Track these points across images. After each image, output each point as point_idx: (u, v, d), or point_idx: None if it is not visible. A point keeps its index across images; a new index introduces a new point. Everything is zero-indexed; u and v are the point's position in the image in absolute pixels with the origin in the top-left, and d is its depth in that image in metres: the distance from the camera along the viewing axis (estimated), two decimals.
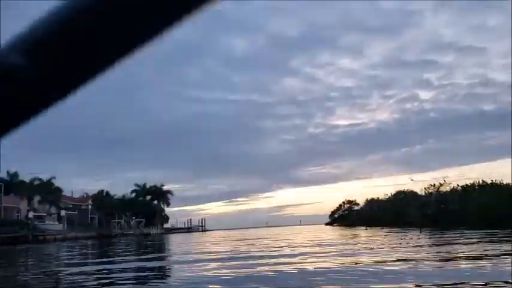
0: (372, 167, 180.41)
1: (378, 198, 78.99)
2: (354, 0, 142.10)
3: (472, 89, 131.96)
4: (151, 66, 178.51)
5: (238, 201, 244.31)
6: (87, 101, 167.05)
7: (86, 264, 16.37)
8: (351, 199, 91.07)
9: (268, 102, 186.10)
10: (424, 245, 17.30)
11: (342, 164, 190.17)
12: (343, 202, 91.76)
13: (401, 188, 75.71)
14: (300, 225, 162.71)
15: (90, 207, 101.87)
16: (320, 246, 19.23)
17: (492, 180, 53.82)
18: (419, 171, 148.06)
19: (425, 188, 68.41)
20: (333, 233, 42.25)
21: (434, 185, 67.79)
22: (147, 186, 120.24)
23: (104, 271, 12.10)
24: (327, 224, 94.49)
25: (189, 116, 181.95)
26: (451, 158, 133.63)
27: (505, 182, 51.83)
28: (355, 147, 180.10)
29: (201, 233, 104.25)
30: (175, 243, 36.59)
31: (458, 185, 60.59)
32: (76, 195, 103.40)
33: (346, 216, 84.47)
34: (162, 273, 11.27)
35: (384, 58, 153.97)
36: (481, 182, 55.55)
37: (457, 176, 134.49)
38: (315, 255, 14.45)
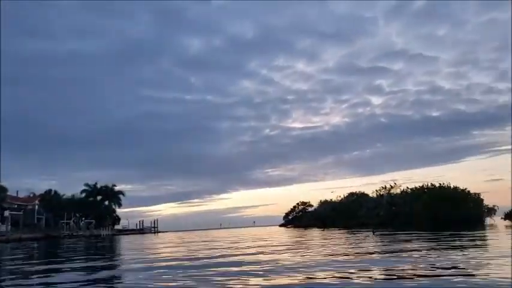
0: (325, 169, 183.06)
1: (331, 199, 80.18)
2: (309, 6, 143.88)
3: (420, 96, 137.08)
4: (105, 63, 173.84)
5: (192, 202, 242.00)
6: (35, 97, 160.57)
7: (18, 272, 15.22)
8: (305, 201, 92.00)
9: (224, 103, 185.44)
10: (375, 245, 17.92)
11: (297, 166, 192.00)
12: (298, 204, 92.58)
13: (354, 190, 77.27)
14: (254, 226, 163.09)
15: (37, 207, 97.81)
16: (265, 247, 19.07)
17: (440, 184, 55.60)
18: (369, 174, 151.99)
19: (376, 191, 70.16)
20: (286, 235, 42.21)
21: (385, 187, 69.58)
22: (98, 186, 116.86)
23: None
24: (281, 225, 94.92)
25: (143, 115, 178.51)
26: (399, 162, 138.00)
27: (451, 186, 53.67)
28: (309, 149, 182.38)
29: (153, 234, 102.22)
30: (128, 245, 35.39)
31: (408, 188, 62.41)
32: (22, 195, 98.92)
33: (300, 218, 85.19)
34: (110, 283, 10.48)
35: (338, 63, 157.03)
36: (429, 185, 57.31)
37: (404, 179, 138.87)
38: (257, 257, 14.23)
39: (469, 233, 26.98)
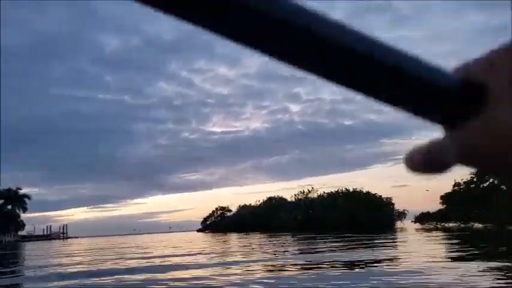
0: (245, 174, 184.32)
1: (250, 204, 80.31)
2: None
3: (335, 105, 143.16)
4: (13, 60, 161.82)
5: (106, 207, 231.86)
6: None
7: None
8: (223, 205, 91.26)
9: (141, 104, 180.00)
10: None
11: (216, 171, 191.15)
12: (216, 208, 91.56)
13: (272, 195, 77.96)
14: (170, 232, 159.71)
15: None
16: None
17: (354, 189, 57.76)
18: (287, 179, 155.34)
19: (295, 195, 71.56)
20: (202, 241, 41.25)
21: (303, 191, 71.18)
22: (0, 189, 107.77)
23: None
24: (198, 230, 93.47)
25: (54, 114, 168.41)
26: (315, 168, 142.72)
27: (364, 191, 56.02)
28: (229, 154, 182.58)
29: (62, 240, 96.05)
30: (29, 252, 32.56)
31: (324, 192, 64.24)
32: None
33: (219, 223, 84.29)
34: None
35: (259, 69, 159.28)
36: (344, 189, 59.31)
37: (320, 184, 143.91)
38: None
39: (381, 235, 28.13)
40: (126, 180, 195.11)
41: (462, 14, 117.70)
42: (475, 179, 37.41)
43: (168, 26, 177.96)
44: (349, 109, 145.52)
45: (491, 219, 33.27)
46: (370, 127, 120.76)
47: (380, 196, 53.43)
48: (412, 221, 47.47)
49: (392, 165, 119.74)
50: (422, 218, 43.66)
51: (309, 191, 69.84)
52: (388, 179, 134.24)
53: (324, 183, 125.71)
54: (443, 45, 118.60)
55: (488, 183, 35.76)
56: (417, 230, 37.92)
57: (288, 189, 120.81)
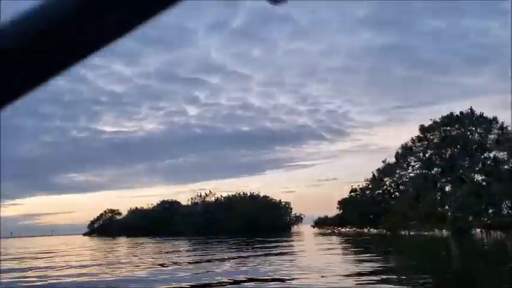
0: (137, 176, 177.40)
1: (142, 207, 76.94)
2: None
3: (233, 111, 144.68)
4: None
5: None
6: None
7: None
8: (113, 208, 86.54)
9: (28, 97, 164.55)
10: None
11: (106, 172, 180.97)
12: (105, 211, 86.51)
13: (166, 198, 75.54)
14: (53, 235, 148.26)
15: None
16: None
17: (251, 193, 57.88)
18: (181, 182, 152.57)
19: (191, 198, 69.80)
20: (85, 246, 38.03)
21: (200, 195, 69.71)
22: None
23: None
24: (85, 234, 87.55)
25: None
26: (210, 172, 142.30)
27: (261, 195, 56.39)
28: (120, 155, 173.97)
29: None
30: None
31: (222, 196, 63.53)
32: None
33: (108, 226, 79.51)
34: None
35: (158, 70, 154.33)
36: (242, 194, 59.18)
37: (214, 188, 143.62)
38: None
39: (279, 240, 28.36)
40: (5, 180, 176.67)
41: (354, 32, 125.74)
42: (370, 186, 39.09)
43: None
44: (247, 115, 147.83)
45: (386, 225, 34.82)
46: (266, 134, 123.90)
47: (279, 200, 54.00)
48: (311, 226, 48.49)
49: (283, 171, 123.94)
50: (321, 223, 44.74)
51: (206, 195, 68.45)
52: (278, 185, 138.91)
53: (217, 188, 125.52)
54: (336, 60, 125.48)
55: (382, 190, 37.59)
56: (315, 234, 38.55)
57: (181, 193, 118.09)
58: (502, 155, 33.76)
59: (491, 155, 32.83)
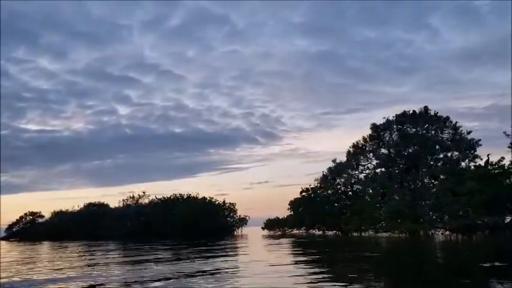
0: (61, 177, 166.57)
1: (67, 210, 71.11)
2: (65, 1, 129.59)
3: (166, 111, 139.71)
4: None
5: None
6: None
7: None
8: (34, 211, 79.56)
9: None
10: None
11: (27, 173, 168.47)
12: (25, 214, 79.28)
13: (93, 201, 70.57)
14: None
15: None
16: None
17: (189, 195, 54.55)
18: (108, 184, 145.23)
19: (123, 200, 65.28)
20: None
21: (133, 197, 65.21)
22: None
23: None
24: (2, 238, 79.47)
25: None
26: (140, 174, 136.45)
27: (200, 197, 53.24)
28: (44, 155, 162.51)
29: None
30: None
31: (156, 198, 59.69)
32: None
33: (29, 230, 72.65)
34: None
35: (88, 66, 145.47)
36: (179, 195, 55.80)
37: (143, 190, 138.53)
38: None
39: (220, 242, 27.23)
40: None
41: (289, 37, 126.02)
42: (322, 186, 37.20)
43: None
44: (180, 116, 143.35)
45: (337, 226, 33.02)
46: (199, 136, 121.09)
47: (223, 201, 50.81)
48: (262, 228, 46.07)
49: (216, 174, 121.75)
50: (271, 224, 42.33)
51: (140, 196, 64.07)
52: (210, 188, 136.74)
53: (146, 190, 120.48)
54: (271, 64, 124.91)
55: (335, 189, 35.78)
56: (263, 236, 36.19)
57: (109, 196, 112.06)
58: (456, 154, 33.20)
59: (449, 154, 32.08)
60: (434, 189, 25.67)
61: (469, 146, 33.42)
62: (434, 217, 25.23)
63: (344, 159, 37.78)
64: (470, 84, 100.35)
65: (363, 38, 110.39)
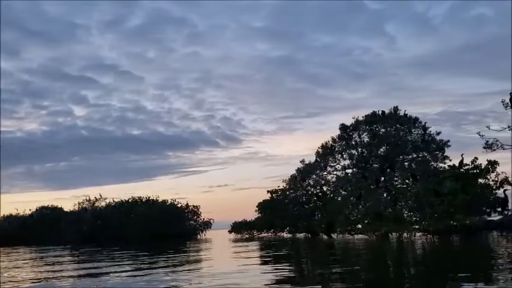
0: (11, 180, 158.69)
1: (17, 214, 67.20)
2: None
3: (124, 113, 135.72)
4: None
5: None
6: None
7: None
8: None
9: None
10: None
11: None
12: None
13: (45, 204, 67.13)
14: None
15: None
16: None
17: (148, 197, 52.52)
18: (62, 188, 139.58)
19: (78, 203, 62.38)
20: None
21: (89, 199, 62.35)
22: None
23: None
24: None
25: None
26: (95, 177, 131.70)
27: (160, 200, 51.28)
28: None
29: None
30: None
31: (114, 201, 57.30)
32: None
33: None
34: None
35: (43, 66, 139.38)
36: (138, 198, 53.68)
37: (98, 194, 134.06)
38: None
39: (182, 247, 26.25)
40: None
41: (249, 41, 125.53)
42: (291, 187, 36.12)
43: None
44: (139, 118, 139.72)
45: (308, 228, 32.02)
46: (158, 138, 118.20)
47: (186, 204, 48.84)
48: (228, 231, 44.46)
49: (174, 177, 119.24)
50: (238, 227, 40.84)
51: (96, 199, 61.11)
52: (168, 191, 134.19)
53: (102, 193, 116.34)
54: (232, 67, 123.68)
55: (305, 191, 34.76)
56: (230, 240, 34.70)
57: (62, 199, 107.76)
58: (426, 155, 32.98)
59: (421, 154, 31.75)
60: (415, 189, 24.99)
61: (438, 147, 33.39)
62: (414, 218, 24.55)
63: (308, 161, 37.03)
64: (422, 91, 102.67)
65: (321, 43, 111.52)
